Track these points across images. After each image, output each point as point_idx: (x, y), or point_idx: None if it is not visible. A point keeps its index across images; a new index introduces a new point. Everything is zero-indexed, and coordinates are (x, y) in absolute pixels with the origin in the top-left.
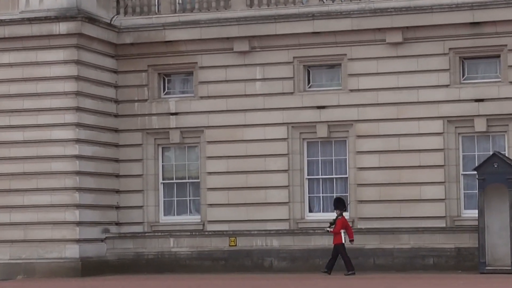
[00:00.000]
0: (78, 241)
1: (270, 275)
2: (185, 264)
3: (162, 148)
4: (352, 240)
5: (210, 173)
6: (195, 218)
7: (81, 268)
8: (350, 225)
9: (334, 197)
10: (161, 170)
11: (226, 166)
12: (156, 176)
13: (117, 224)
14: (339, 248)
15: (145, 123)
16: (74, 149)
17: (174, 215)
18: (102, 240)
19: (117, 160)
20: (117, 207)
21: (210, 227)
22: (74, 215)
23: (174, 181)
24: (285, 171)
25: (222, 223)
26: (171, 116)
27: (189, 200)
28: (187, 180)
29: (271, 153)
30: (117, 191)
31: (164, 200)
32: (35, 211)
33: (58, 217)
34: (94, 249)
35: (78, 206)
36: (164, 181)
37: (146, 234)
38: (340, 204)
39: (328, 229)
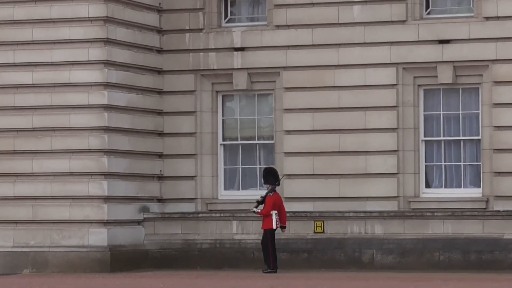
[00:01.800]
0: (106, 223)
1: (370, 274)
2: (252, 257)
3: (223, 96)
4: (284, 227)
5: (288, 131)
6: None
7: (110, 261)
8: (285, 207)
9: (264, 168)
10: (221, 127)
11: (311, 122)
12: (214, 135)
13: (160, 200)
14: (270, 235)
15: (200, 62)
16: (102, 97)
17: (238, 189)
18: (139, 223)
19: (160, 113)
20: (160, 178)
21: (288, 207)
22: (101, 187)
23: (239, 142)
24: (393, 129)
25: (304, 201)
26: (235, 53)
27: (259, 168)
28: (256, 141)
29: (373, 105)
30: (160, 155)
31: (225, 169)
32: (47, 181)
33: (79, 190)
34: (128, 234)
35: (107, 175)
36: (225, 142)
37: (200, 215)
38: (270, 177)
39: (255, 209)
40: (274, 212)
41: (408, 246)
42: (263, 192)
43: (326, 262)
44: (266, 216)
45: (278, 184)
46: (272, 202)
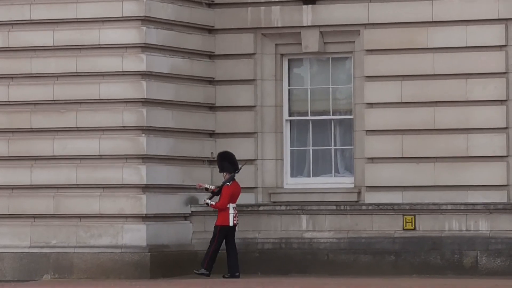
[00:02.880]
0: (145, 217)
1: (473, 281)
2: (326, 260)
3: (289, 61)
4: (235, 225)
5: (370, 104)
6: (344, 182)
7: (149, 264)
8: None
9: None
10: (287, 99)
11: (399, 93)
12: (279, 109)
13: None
14: (219, 232)
15: (260, 18)
16: (139, 62)
17: (308, 175)
18: (185, 218)
19: (211, 81)
20: (212, 162)
21: (371, 198)
22: (138, 173)
23: (309, 117)
24: (501, 102)
25: (391, 190)
26: (304, 6)
27: (335, 150)
28: (331, 117)
29: (476, 71)
30: (212, 134)
31: (292, 151)
32: (72, 166)
33: (111, 177)
34: (172, 232)
35: (145, 158)
36: (292, 118)
37: (261, 209)
38: (225, 163)
39: (208, 201)
40: (232, 206)
41: None
42: (339, 180)
43: (417, 267)
44: (221, 210)
45: (237, 172)
46: (229, 193)
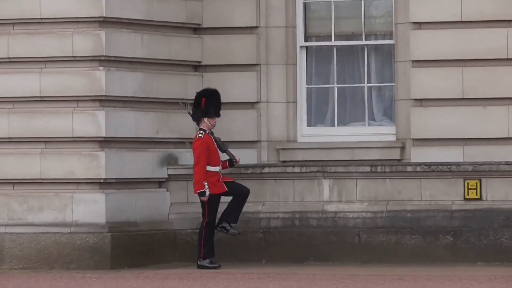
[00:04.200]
0: (104, 183)
1: None
2: (357, 242)
3: None
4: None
5: (419, 24)
6: (382, 134)
7: (110, 250)
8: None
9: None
10: (301, 18)
11: (458, 7)
12: (290, 31)
13: None
14: (203, 207)
15: None
16: None
17: (332, 124)
18: (160, 184)
19: None
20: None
21: (419, 155)
22: (94, 121)
23: (333, 43)
24: None
25: (447, 144)
26: None
27: (369, 89)
28: (363, 42)
29: None
30: (197, 66)
31: (309, 90)
32: (3, 113)
33: (57, 127)
34: (143, 204)
35: (105, 100)
36: (309, 44)
37: (266, 171)
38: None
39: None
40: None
41: None
42: (374, 131)
43: (484, 251)
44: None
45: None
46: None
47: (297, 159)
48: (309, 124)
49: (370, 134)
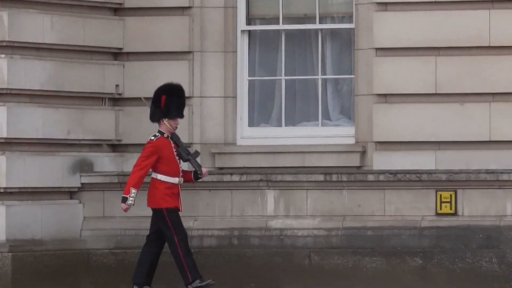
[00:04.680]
0: (4, 193)
1: None
2: (307, 265)
3: None
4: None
5: (384, 4)
6: (338, 135)
7: (11, 273)
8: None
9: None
10: None
11: None
12: (230, 12)
13: (116, 147)
14: (164, 220)
15: None
16: None
17: (278, 124)
18: (72, 195)
19: None
20: (117, 100)
21: (383, 162)
22: None
23: (281, 27)
24: None
25: (417, 149)
26: None
27: (324, 81)
28: (317, 26)
29: None
30: (118, 54)
31: (251, 83)
32: None
33: None
34: (50, 218)
35: (4, 94)
36: (252, 27)
37: (199, 180)
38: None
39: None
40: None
41: None
42: (330, 132)
43: (460, 276)
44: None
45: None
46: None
47: (236, 165)
48: (251, 123)
49: (324, 136)
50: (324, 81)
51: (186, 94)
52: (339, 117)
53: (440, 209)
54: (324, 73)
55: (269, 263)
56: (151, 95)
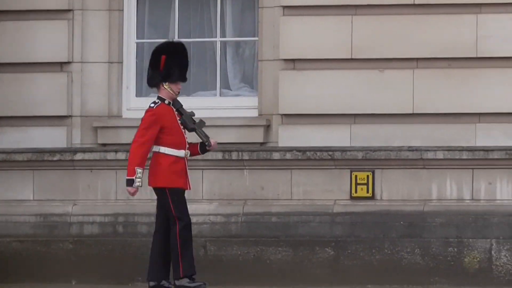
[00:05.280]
0: None
1: None
2: (204, 255)
3: None
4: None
5: None
6: (239, 107)
7: None
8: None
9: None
10: None
11: None
12: None
13: None
14: (166, 201)
15: None
16: None
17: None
18: None
19: None
20: None
21: (289, 137)
22: None
23: None
24: None
25: (328, 122)
26: None
27: (222, 44)
28: None
29: None
30: None
31: (139, 46)
32: None
33: None
34: None
35: None
36: None
37: (77, 159)
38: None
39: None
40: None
41: None
42: (229, 103)
43: (378, 269)
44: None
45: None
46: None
47: (121, 141)
48: (139, 93)
49: (223, 108)
50: (224, 44)
51: (65, 60)
52: (240, 86)
53: (356, 192)
54: (223, 35)
55: (132, 253)
56: (26, 60)
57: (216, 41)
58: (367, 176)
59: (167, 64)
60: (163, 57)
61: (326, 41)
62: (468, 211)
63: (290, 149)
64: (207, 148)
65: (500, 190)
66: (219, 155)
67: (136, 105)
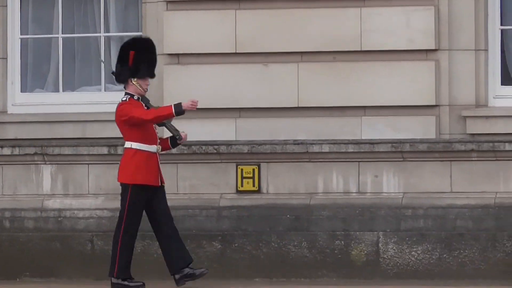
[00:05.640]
0: None
1: None
2: (90, 250)
3: None
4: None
5: None
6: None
7: None
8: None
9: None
10: None
11: None
12: None
13: None
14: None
15: None
16: None
17: (55, 89)
18: None
19: None
20: None
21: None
22: None
23: None
24: None
25: (212, 116)
26: None
27: (107, 40)
28: None
29: None
30: None
31: (23, 42)
32: None
33: None
34: None
35: None
36: None
37: None
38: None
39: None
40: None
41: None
42: (115, 98)
43: (264, 262)
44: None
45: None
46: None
47: (7, 137)
48: (23, 89)
49: (108, 103)
50: (108, 39)
51: None
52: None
53: (242, 186)
54: (107, 30)
55: (45, 249)
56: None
57: (100, 36)
58: (253, 170)
59: (136, 60)
60: (132, 52)
61: (210, 35)
62: (354, 204)
63: None
64: (178, 141)
65: (386, 183)
66: (104, 150)
67: (21, 100)
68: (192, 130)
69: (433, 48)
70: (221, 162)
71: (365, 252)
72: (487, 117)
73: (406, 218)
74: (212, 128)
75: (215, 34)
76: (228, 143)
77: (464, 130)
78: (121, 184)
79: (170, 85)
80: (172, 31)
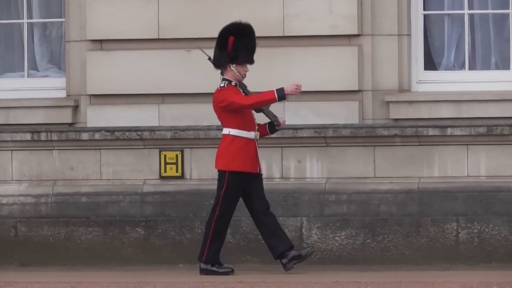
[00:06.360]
0: None
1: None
2: (14, 237)
3: None
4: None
5: None
6: (47, 88)
7: None
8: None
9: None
10: None
11: None
12: None
13: None
14: (222, 185)
15: None
16: None
17: None
18: None
19: None
20: None
21: (98, 118)
22: None
23: None
24: None
25: (136, 102)
26: None
27: (30, 27)
28: None
29: None
30: None
31: None
32: None
33: None
34: None
35: None
36: None
37: None
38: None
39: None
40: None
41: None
42: (38, 84)
43: (188, 248)
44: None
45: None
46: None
47: None
48: None
49: (30, 89)
50: (31, 25)
51: None
52: (48, 67)
53: (165, 171)
54: (30, 16)
55: None
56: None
57: (23, 23)
58: (176, 156)
59: (235, 46)
60: (231, 38)
61: (133, 21)
62: (278, 190)
63: (99, 129)
64: (276, 127)
65: (309, 169)
66: (28, 136)
67: None
68: (115, 116)
69: (356, 33)
70: (144, 148)
71: (289, 237)
72: (410, 102)
73: (330, 203)
74: (135, 114)
75: (138, 20)
76: (151, 129)
77: (388, 115)
78: (218, 171)
79: (92, 71)
80: (95, 17)
